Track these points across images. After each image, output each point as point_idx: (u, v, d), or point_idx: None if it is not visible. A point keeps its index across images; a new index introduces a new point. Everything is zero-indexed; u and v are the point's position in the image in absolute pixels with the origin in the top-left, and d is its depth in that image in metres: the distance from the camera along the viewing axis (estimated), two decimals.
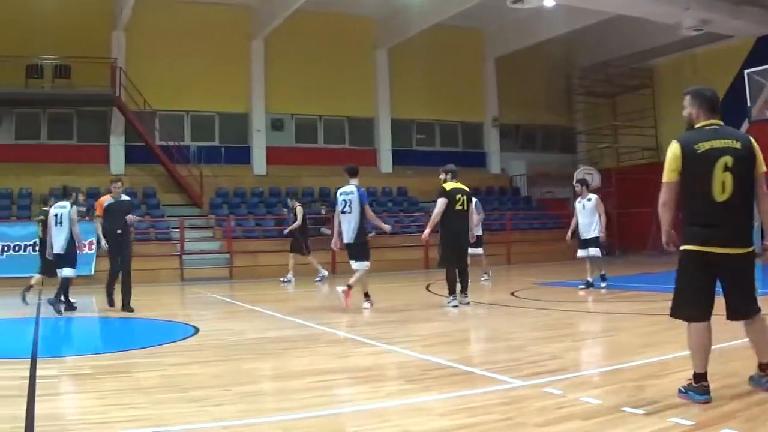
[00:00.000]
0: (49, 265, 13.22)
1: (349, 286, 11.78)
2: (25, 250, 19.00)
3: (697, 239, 4.98)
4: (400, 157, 29.23)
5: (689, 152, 4.98)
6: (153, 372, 6.72)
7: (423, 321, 10.57)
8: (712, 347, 5.07)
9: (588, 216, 14.21)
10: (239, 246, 22.34)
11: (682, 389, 5.05)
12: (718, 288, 5.05)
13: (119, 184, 13.00)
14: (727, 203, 4.91)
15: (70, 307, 12.65)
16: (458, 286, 11.95)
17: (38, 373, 6.64)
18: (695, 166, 4.96)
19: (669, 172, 5.07)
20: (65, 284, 12.65)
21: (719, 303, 5.05)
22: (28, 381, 6.26)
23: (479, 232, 16.09)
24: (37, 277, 14.03)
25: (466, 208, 11.96)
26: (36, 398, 5.58)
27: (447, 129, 30.94)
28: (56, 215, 12.71)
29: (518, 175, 31.28)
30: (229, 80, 26.07)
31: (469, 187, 12.33)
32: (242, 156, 26.81)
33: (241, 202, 25.22)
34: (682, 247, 5.08)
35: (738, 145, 4.98)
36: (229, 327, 10.48)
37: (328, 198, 25.49)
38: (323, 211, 24.08)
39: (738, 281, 5.03)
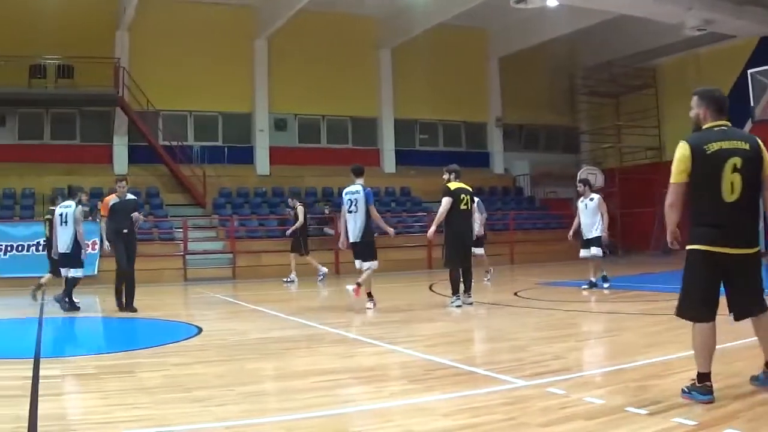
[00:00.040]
0: (56, 265, 13.25)
1: (359, 284, 11.79)
2: (28, 250, 19.01)
3: (705, 239, 4.98)
4: (403, 157, 29.24)
5: (699, 153, 4.97)
6: (156, 372, 6.72)
7: (426, 321, 10.57)
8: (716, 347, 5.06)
9: (590, 216, 14.20)
10: (242, 246, 22.35)
11: (686, 389, 5.04)
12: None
13: (124, 183, 12.84)
14: (735, 204, 4.91)
15: (74, 307, 12.65)
16: (461, 286, 11.94)
17: (41, 373, 6.64)
18: (705, 166, 4.95)
19: (678, 173, 5.06)
20: (73, 284, 12.69)
21: (722, 303, 5.05)
22: (31, 381, 6.26)
23: (482, 232, 16.09)
24: (47, 276, 14.06)
25: (469, 207, 12.03)
26: (39, 398, 5.58)
27: (450, 129, 30.93)
28: (61, 215, 12.75)
29: (521, 174, 31.28)
30: (232, 80, 26.07)
31: (472, 187, 12.33)
32: (245, 156, 26.82)
33: (244, 202, 25.22)
34: (690, 247, 5.07)
35: (747, 147, 4.99)
36: (232, 327, 10.49)
37: (331, 198, 25.55)
38: (326, 211, 24.10)
39: (745, 281, 5.03)
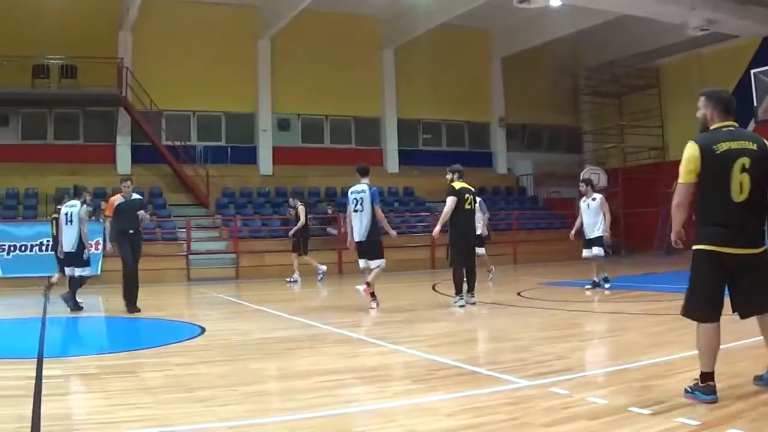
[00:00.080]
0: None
1: (368, 284, 11.82)
2: (31, 250, 19.03)
3: (712, 239, 4.98)
4: (406, 157, 29.22)
5: (708, 153, 4.97)
6: (159, 372, 6.73)
7: (429, 321, 10.57)
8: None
9: (593, 216, 14.18)
10: (245, 246, 22.38)
11: (689, 389, 5.04)
12: None
13: (129, 183, 12.79)
14: (744, 204, 4.92)
15: (77, 307, 12.66)
16: (465, 286, 11.94)
17: (44, 373, 6.65)
18: (714, 166, 4.96)
19: (687, 173, 5.05)
20: (79, 283, 12.71)
21: (725, 303, 5.04)
22: (34, 381, 6.26)
23: (485, 233, 16.09)
24: (57, 275, 14.08)
25: (473, 207, 12.08)
26: (42, 398, 5.58)
27: (453, 129, 30.91)
28: (67, 214, 12.79)
29: (525, 174, 31.26)
30: (236, 80, 26.07)
31: (475, 187, 12.36)
32: (248, 156, 26.82)
33: (248, 202, 25.24)
34: (696, 247, 5.07)
35: (754, 147, 5.00)
36: (235, 327, 10.49)
37: (334, 198, 25.56)
38: (329, 211, 24.11)
39: (751, 280, 5.03)
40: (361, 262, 12.10)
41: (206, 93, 25.40)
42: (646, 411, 4.79)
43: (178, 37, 24.81)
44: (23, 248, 19.08)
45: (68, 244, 12.72)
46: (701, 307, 5.02)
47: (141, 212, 12.58)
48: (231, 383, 6.21)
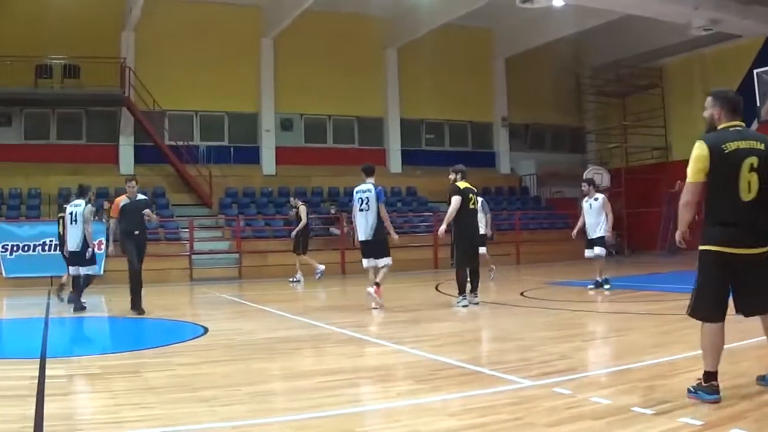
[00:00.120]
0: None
1: (377, 284, 11.82)
2: (34, 250, 19.04)
3: (717, 239, 4.98)
4: (409, 157, 29.22)
5: (717, 152, 4.97)
6: (162, 372, 6.73)
7: (432, 321, 10.56)
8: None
9: (595, 216, 14.15)
10: (248, 246, 22.39)
11: (692, 389, 5.03)
12: None
13: (134, 183, 12.64)
14: (752, 203, 4.93)
15: (80, 307, 12.66)
16: (468, 286, 11.94)
17: (47, 372, 6.66)
18: (723, 166, 4.96)
19: (695, 173, 5.04)
20: (86, 282, 12.72)
21: (729, 303, 5.04)
22: (37, 381, 6.27)
23: (489, 233, 16.10)
24: (66, 275, 14.09)
25: (476, 207, 12.11)
26: (45, 398, 5.59)
27: (456, 129, 30.91)
28: (72, 213, 12.81)
29: (527, 174, 31.26)
30: (239, 80, 26.10)
31: (477, 187, 12.38)
32: (251, 156, 26.84)
33: (251, 202, 25.26)
34: (702, 248, 5.07)
35: (762, 147, 5.00)
36: (239, 327, 10.49)
37: (337, 198, 25.56)
38: (332, 211, 24.12)
39: (757, 280, 5.02)
40: (365, 262, 12.10)
41: (209, 93, 25.42)
42: (649, 411, 4.78)
43: (181, 37, 24.85)
44: (26, 248, 19.09)
45: (73, 243, 12.75)
46: (708, 308, 5.02)
47: (147, 211, 12.54)
48: (234, 383, 6.21)
